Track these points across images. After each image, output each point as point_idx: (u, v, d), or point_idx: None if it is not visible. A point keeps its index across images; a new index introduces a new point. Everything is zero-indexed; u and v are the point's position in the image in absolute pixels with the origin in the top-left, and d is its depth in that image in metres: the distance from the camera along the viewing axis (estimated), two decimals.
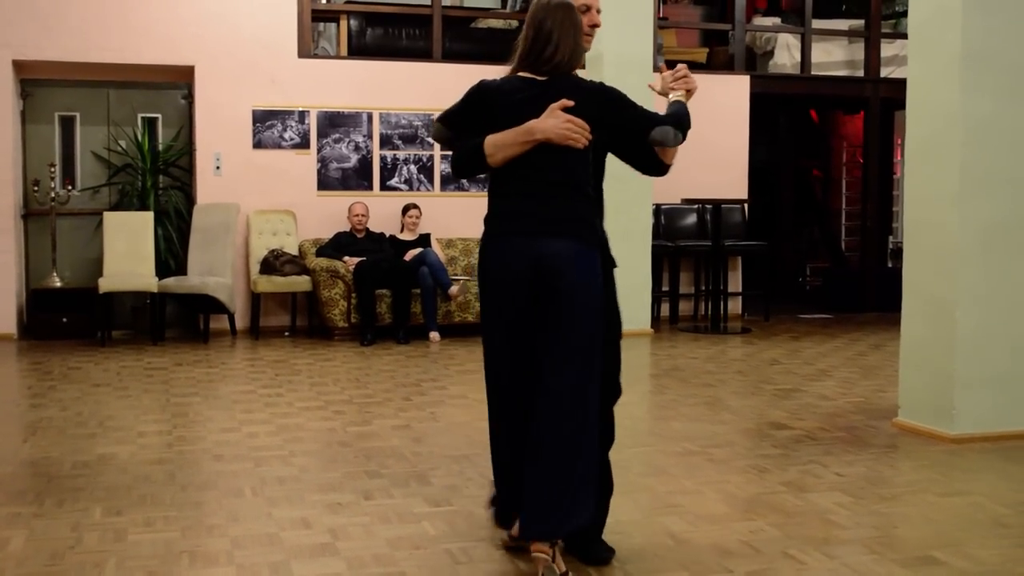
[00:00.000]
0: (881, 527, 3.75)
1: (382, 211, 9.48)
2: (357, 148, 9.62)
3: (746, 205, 10.58)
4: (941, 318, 5.14)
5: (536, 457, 3.20)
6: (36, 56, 8.89)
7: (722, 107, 10.47)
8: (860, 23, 11.39)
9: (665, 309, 10.34)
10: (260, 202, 9.37)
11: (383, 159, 9.69)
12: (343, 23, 9.96)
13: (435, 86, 9.61)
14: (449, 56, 9.90)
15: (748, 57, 11.13)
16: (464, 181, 9.76)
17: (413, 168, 9.77)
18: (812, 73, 11.01)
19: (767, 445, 5.03)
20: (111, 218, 8.85)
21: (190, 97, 9.49)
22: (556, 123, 3.25)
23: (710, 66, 11.11)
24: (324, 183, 9.56)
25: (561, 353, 3.24)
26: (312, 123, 9.50)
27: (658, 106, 3.53)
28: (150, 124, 9.56)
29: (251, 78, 9.33)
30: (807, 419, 5.63)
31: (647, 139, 3.38)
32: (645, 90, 3.80)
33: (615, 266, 3.48)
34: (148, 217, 8.89)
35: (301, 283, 8.93)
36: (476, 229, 9.27)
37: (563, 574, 3.16)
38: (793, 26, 11.19)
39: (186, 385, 6.65)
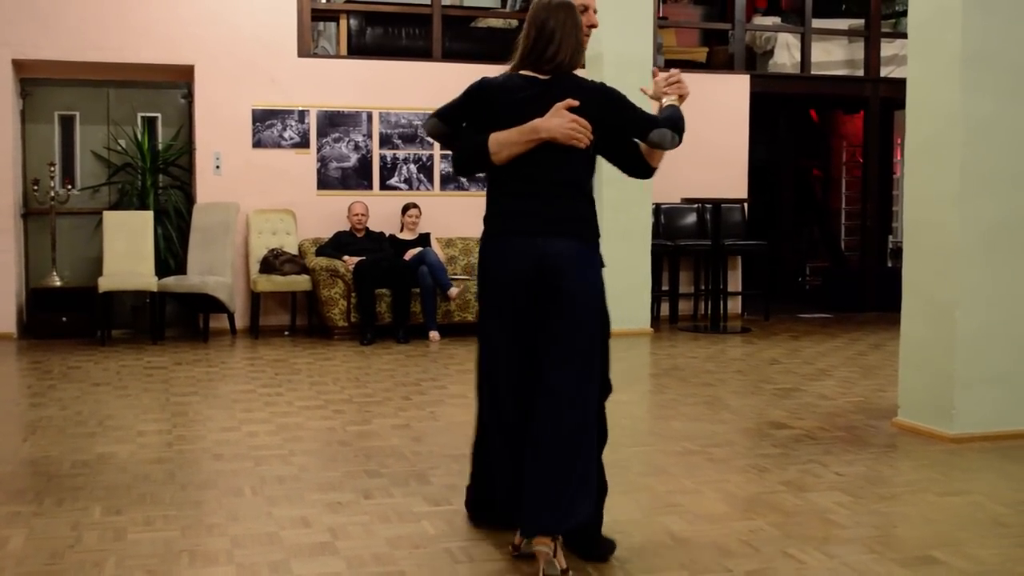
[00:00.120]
0: (881, 526, 3.75)
1: (382, 210, 9.48)
2: (357, 147, 9.62)
3: (746, 205, 10.58)
4: (941, 318, 5.14)
5: (536, 455, 3.22)
6: (36, 55, 8.89)
7: (722, 106, 10.47)
8: (860, 23, 11.39)
9: (665, 308, 10.34)
10: (260, 201, 9.37)
11: (383, 158, 9.69)
12: (343, 22, 9.96)
13: (435, 86, 9.59)
14: (449, 55, 9.90)
15: (748, 56, 11.13)
16: (464, 180, 9.77)
17: (413, 167, 9.77)
18: (812, 73, 11.01)
19: (767, 444, 5.03)
20: (111, 217, 8.85)
21: (190, 96, 9.49)
22: (561, 123, 3.28)
23: (710, 65, 11.11)
24: (324, 182, 9.56)
25: (562, 353, 3.26)
26: (312, 122, 9.50)
27: (649, 109, 3.54)
28: (150, 123, 9.56)
29: (251, 77, 9.33)
30: (807, 418, 5.63)
31: (644, 141, 3.43)
32: (649, 87, 3.82)
33: (603, 266, 3.50)
34: (148, 216, 8.89)
35: (301, 282, 8.93)
36: (476, 228, 9.26)
37: (564, 570, 3.17)
38: (793, 26, 11.20)
39: (186, 384, 6.65)
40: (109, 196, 9.49)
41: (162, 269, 9.04)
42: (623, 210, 8.74)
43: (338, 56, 9.87)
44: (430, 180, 9.83)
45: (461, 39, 10.15)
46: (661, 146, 3.42)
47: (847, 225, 13.26)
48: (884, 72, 11.25)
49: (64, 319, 8.85)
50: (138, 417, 5.64)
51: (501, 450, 3.37)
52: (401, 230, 9.31)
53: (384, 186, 9.70)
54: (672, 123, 3.39)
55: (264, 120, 9.38)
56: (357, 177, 9.62)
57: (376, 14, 10.01)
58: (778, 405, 6.01)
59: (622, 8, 8.71)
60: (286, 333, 9.24)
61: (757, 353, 8.14)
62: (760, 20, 11.51)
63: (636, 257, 8.99)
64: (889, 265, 11.70)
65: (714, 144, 10.31)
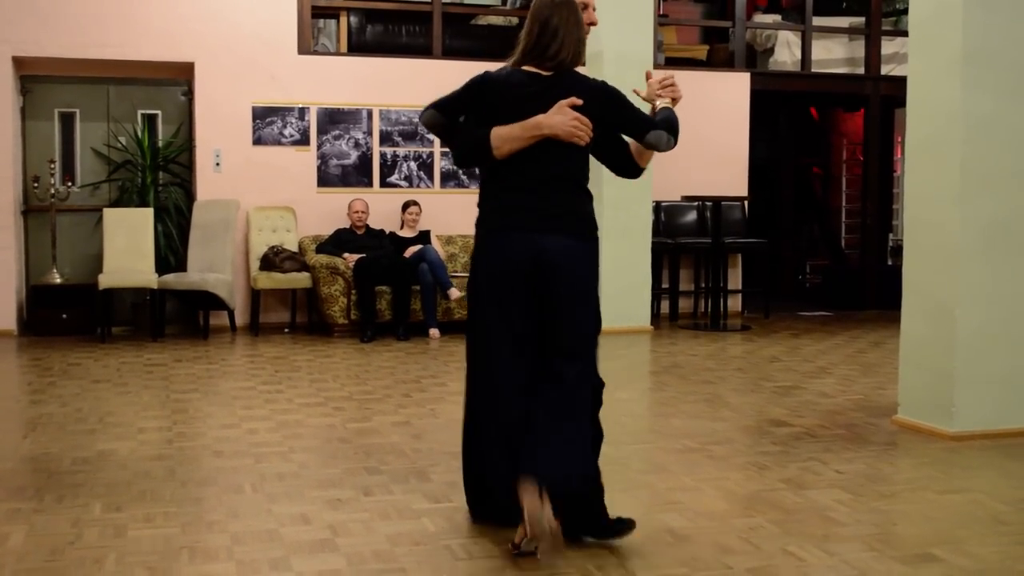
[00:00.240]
0: (880, 524, 3.75)
1: (382, 208, 9.48)
2: (357, 145, 9.62)
3: (746, 202, 10.58)
4: (941, 316, 5.14)
5: (535, 426, 3.26)
6: (36, 52, 8.89)
7: (722, 104, 10.47)
8: (860, 20, 11.39)
9: (665, 306, 10.35)
10: (260, 199, 9.37)
11: (383, 156, 9.69)
12: (343, 19, 9.96)
13: (435, 83, 9.50)
14: (449, 53, 9.90)
15: (748, 54, 11.13)
16: (464, 178, 9.78)
17: (413, 165, 9.77)
18: (812, 70, 11.01)
19: (767, 442, 5.03)
20: (111, 214, 8.85)
21: (190, 93, 9.49)
22: (564, 120, 3.31)
23: (710, 63, 11.11)
24: (324, 180, 9.55)
25: (562, 346, 3.32)
26: (312, 120, 9.50)
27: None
28: (150, 120, 9.56)
29: (251, 75, 9.33)
30: (807, 416, 5.63)
31: (641, 142, 3.48)
32: (644, 88, 3.84)
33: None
34: (148, 213, 8.89)
35: (301, 280, 8.93)
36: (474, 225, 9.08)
37: (553, 528, 3.12)
38: (793, 23, 11.19)
39: (186, 381, 6.65)
40: (109, 193, 9.49)
41: (162, 266, 9.05)
42: (623, 208, 8.74)
43: (338, 53, 9.87)
44: (430, 177, 9.82)
45: (461, 36, 10.15)
46: (657, 147, 3.47)
47: (847, 223, 13.26)
48: (885, 70, 11.24)
49: (64, 316, 8.85)
50: (138, 414, 5.64)
51: (496, 442, 3.37)
52: (401, 227, 9.31)
53: (384, 183, 9.70)
54: (668, 125, 3.44)
55: (264, 117, 9.38)
56: (357, 174, 9.62)
57: (376, 11, 10.00)
58: (778, 403, 6.01)
59: (622, 6, 8.70)
60: (286, 330, 9.24)
61: (757, 351, 8.14)
62: (761, 18, 11.51)
63: (636, 255, 8.99)
64: (889, 263, 11.70)
65: (714, 142, 10.32)
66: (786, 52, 11.12)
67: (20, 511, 3.84)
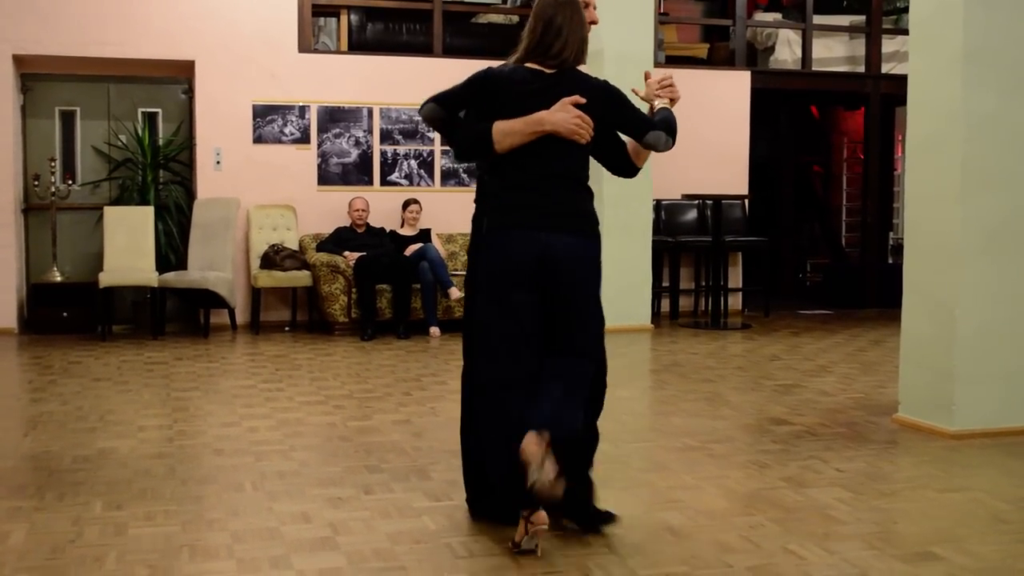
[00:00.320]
0: (881, 523, 3.75)
1: (382, 206, 9.48)
2: (357, 143, 9.62)
3: (747, 201, 10.58)
4: (941, 314, 5.14)
5: (539, 399, 3.32)
6: (36, 51, 8.89)
7: (723, 103, 10.47)
8: (861, 19, 11.38)
9: (665, 305, 10.35)
10: (260, 197, 9.37)
11: (383, 154, 9.69)
12: (343, 18, 9.96)
13: (436, 81, 9.46)
14: (450, 51, 9.89)
15: (749, 53, 11.13)
16: (465, 176, 9.78)
17: (413, 163, 9.77)
18: (813, 69, 11.01)
19: (767, 441, 5.03)
20: (111, 213, 8.85)
21: (190, 92, 9.49)
22: (567, 117, 3.35)
23: (711, 62, 11.10)
24: (324, 178, 9.55)
25: (569, 345, 3.39)
26: (312, 118, 9.49)
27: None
28: (150, 119, 9.56)
29: (251, 73, 9.33)
30: (807, 415, 5.63)
31: (640, 141, 3.53)
32: (642, 86, 3.86)
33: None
34: (148, 212, 8.89)
35: (301, 278, 8.93)
36: None
37: (557, 476, 3.17)
38: (794, 22, 11.19)
39: (186, 380, 6.65)
40: (110, 191, 9.49)
41: (162, 264, 9.05)
42: (624, 206, 8.73)
43: (339, 52, 9.86)
44: (431, 176, 9.82)
45: (462, 35, 10.14)
46: (655, 147, 3.51)
47: (848, 221, 13.27)
48: (885, 68, 11.24)
49: (65, 314, 8.86)
50: (139, 412, 5.64)
51: (500, 441, 3.37)
52: (402, 226, 9.31)
53: (385, 182, 9.69)
54: (666, 126, 3.49)
55: (265, 116, 9.38)
56: (358, 173, 9.62)
57: (376, 9, 10.00)
58: (778, 401, 6.01)
59: (623, 4, 8.70)
60: (287, 329, 9.24)
61: (757, 349, 8.14)
62: (761, 16, 11.51)
63: (637, 253, 8.98)
64: (889, 261, 11.70)
65: (715, 140, 10.31)
66: (787, 50, 11.12)
67: (21, 509, 3.84)
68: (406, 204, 9.26)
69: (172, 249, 9.38)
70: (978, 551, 3.43)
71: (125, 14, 9.02)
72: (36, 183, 9.09)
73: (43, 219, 9.16)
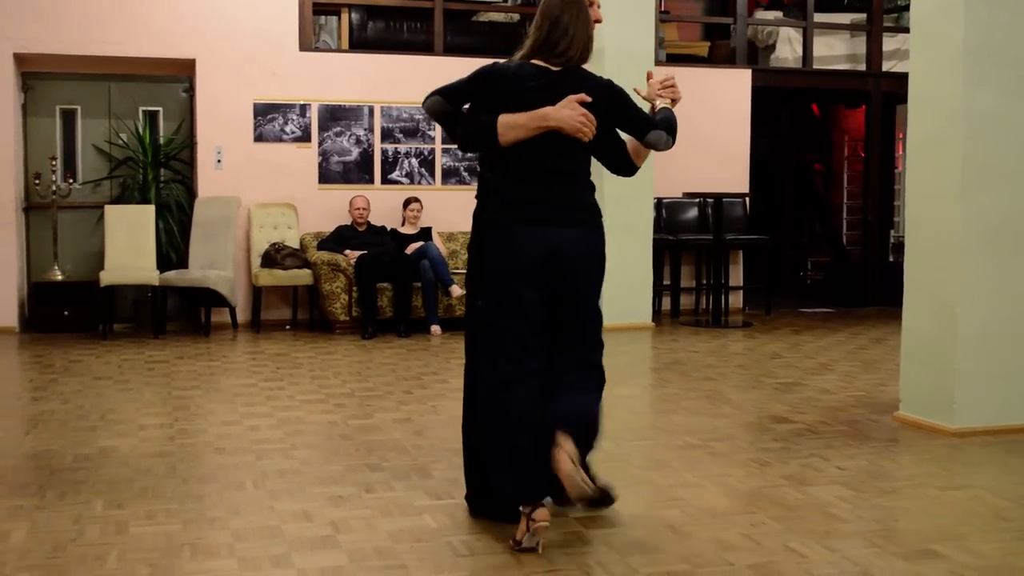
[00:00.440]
0: (882, 520, 3.75)
1: (383, 204, 9.47)
2: (358, 141, 9.62)
3: (747, 199, 10.58)
4: (942, 312, 5.14)
5: (558, 392, 3.42)
6: (37, 49, 8.89)
7: (724, 101, 10.46)
8: (862, 17, 11.37)
9: (666, 303, 10.35)
10: (261, 195, 9.37)
11: (384, 152, 9.69)
12: (344, 16, 9.95)
13: (436, 80, 9.49)
14: (450, 50, 9.89)
15: (750, 51, 11.12)
16: (466, 175, 9.78)
17: (414, 162, 9.77)
18: (814, 67, 11.00)
19: (768, 439, 5.03)
20: (112, 211, 8.86)
21: (191, 90, 9.49)
22: (572, 114, 3.40)
23: (712, 60, 11.10)
24: (325, 176, 9.55)
25: (575, 334, 3.46)
26: (313, 116, 9.49)
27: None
28: (151, 117, 9.56)
29: (252, 71, 9.33)
30: (808, 413, 5.63)
31: (641, 140, 3.60)
32: (645, 85, 3.88)
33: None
34: (149, 210, 8.90)
35: (302, 276, 8.93)
36: None
37: (589, 487, 3.33)
38: (795, 20, 11.18)
39: (187, 378, 6.66)
40: (110, 190, 9.49)
41: (163, 263, 9.05)
42: (624, 204, 8.72)
43: (339, 50, 9.86)
44: (431, 174, 9.82)
45: (462, 33, 10.13)
46: (655, 147, 3.58)
47: (848, 220, 13.26)
48: (886, 66, 11.23)
49: (66, 313, 8.86)
50: (140, 411, 5.64)
51: (510, 437, 3.37)
52: (403, 224, 9.31)
53: (385, 180, 9.69)
54: (667, 125, 3.56)
55: (265, 114, 9.38)
56: (358, 171, 9.62)
57: (377, 8, 9.99)
58: (779, 399, 6.01)
59: (624, 2, 8.69)
60: (287, 327, 9.24)
61: (758, 347, 8.14)
62: (762, 14, 11.50)
63: (637, 251, 8.98)
64: (890, 259, 11.70)
65: (716, 138, 10.31)
66: (787, 49, 11.11)
67: (22, 508, 3.84)
68: (407, 202, 9.26)
69: (173, 248, 9.38)
70: (979, 549, 3.43)
71: (126, 13, 9.02)
72: (37, 182, 9.09)
73: (44, 218, 9.16)
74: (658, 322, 9.55)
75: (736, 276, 10.64)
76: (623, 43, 8.67)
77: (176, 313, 9.32)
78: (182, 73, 9.52)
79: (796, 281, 13.14)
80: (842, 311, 10.69)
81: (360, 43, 9.92)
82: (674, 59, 10.66)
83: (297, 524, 3.65)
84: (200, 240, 9.01)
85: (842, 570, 3.24)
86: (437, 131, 9.76)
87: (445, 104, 3.53)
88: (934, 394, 5.18)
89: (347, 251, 8.85)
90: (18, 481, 4.24)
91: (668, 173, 9.76)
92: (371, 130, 9.64)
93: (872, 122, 11.32)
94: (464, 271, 9.22)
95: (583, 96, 3.41)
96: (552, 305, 3.46)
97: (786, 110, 12.95)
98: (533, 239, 3.39)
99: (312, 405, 5.79)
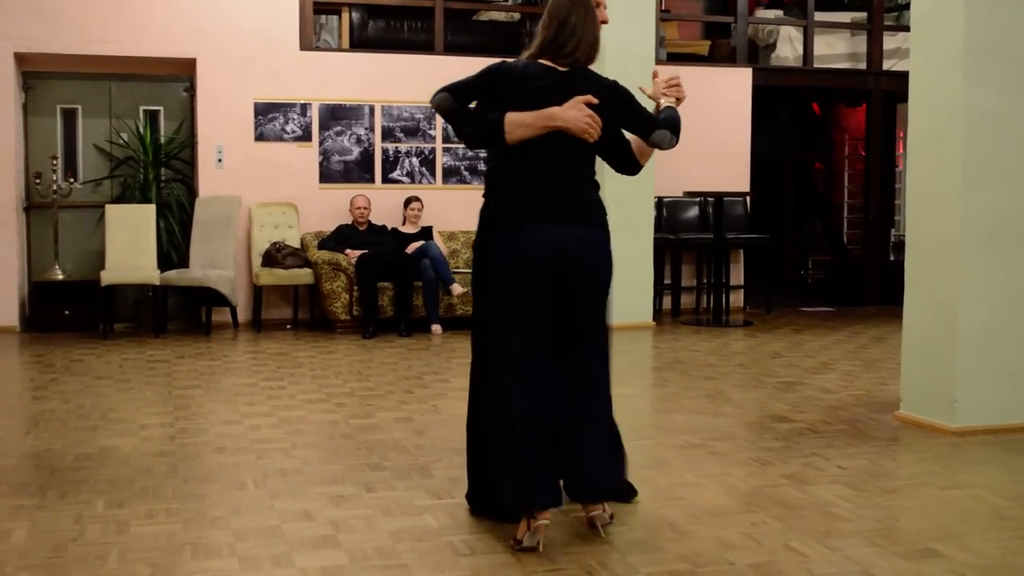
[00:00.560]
0: (883, 520, 3.75)
1: (384, 204, 9.47)
2: (359, 141, 9.62)
3: (748, 198, 10.58)
4: (943, 311, 5.14)
5: (583, 430, 3.46)
6: (38, 49, 8.89)
7: (724, 100, 10.46)
8: (863, 16, 11.37)
9: (667, 302, 10.35)
10: (262, 195, 9.37)
11: (385, 152, 9.69)
12: (345, 15, 9.95)
13: (437, 79, 9.48)
14: (451, 49, 9.89)
15: (750, 50, 11.12)
16: (466, 174, 9.79)
17: (415, 161, 9.77)
18: (814, 66, 11.00)
19: (769, 438, 5.03)
20: (113, 211, 8.86)
21: (192, 90, 9.49)
22: (578, 115, 3.43)
23: (712, 59, 11.10)
24: (326, 176, 9.55)
25: (585, 331, 3.48)
26: (314, 116, 9.49)
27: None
28: (152, 117, 9.56)
29: (253, 71, 9.33)
30: (809, 412, 5.63)
31: (646, 140, 3.64)
32: (646, 83, 3.92)
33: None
34: (150, 210, 8.90)
35: (303, 276, 8.93)
36: (478, 222, 9.05)
37: (611, 514, 3.60)
38: (795, 19, 11.17)
39: (188, 378, 6.66)
40: (111, 189, 9.49)
41: (164, 262, 9.05)
42: (625, 203, 8.71)
43: (340, 49, 9.86)
44: (432, 173, 9.82)
45: (463, 32, 10.14)
46: (660, 146, 3.63)
47: (849, 219, 13.26)
48: (887, 65, 11.23)
49: (66, 312, 8.86)
50: (140, 410, 5.64)
51: (521, 436, 3.37)
52: (403, 223, 9.31)
53: (386, 179, 9.69)
54: (671, 124, 3.61)
55: (266, 113, 9.38)
56: (359, 170, 9.62)
57: (378, 7, 9.99)
58: (780, 398, 6.01)
59: (624, 1, 8.69)
60: (288, 327, 9.24)
61: (759, 346, 8.14)
62: (762, 13, 11.49)
63: (638, 250, 8.98)
64: (891, 258, 11.70)
65: (716, 137, 10.30)
66: (788, 47, 11.11)
67: (23, 507, 3.84)
68: (407, 202, 9.26)
69: (174, 247, 9.38)
70: (980, 548, 3.43)
71: (126, 12, 9.02)
72: (38, 181, 9.09)
73: (45, 217, 9.16)
74: (659, 321, 9.55)
75: (737, 275, 10.63)
76: (623, 42, 8.66)
77: (177, 312, 9.32)
78: (183, 72, 9.52)
79: (797, 280, 13.14)
80: (843, 310, 10.69)
81: (361, 42, 9.92)
82: (674, 58, 10.66)
83: (298, 523, 3.66)
84: (201, 239, 9.01)
85: (843, 569, 3.24)
86: (437, 130, 9.77)
87: (452, 101, 3.55)
88: (935, 393, 5.18)
89: (348, 250, 8.85)
90: (19, 480, 4.24)
91: (669, 172, 9.76)
92: (372, 129, 9.65)
93: (873, 121, 11.31)
94: (465, 270, 9.22)
95: (589, 97, 3.44)
96: (558, 304, 3.47)
97: (787, 109, 12.94)
98: (541, 237, 3.41)
99: (313, 404, 5.79)
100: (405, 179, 9.74)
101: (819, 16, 11.08)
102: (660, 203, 10.21)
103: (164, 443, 4.87)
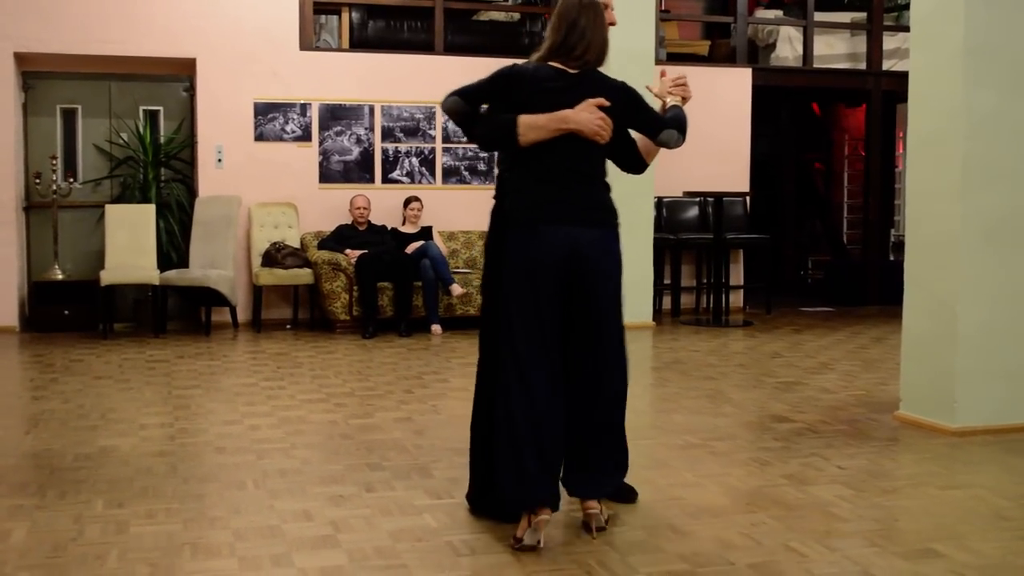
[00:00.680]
0: (882, 520, 3.76)
1: (384, 204, 9.47)
2: (359, 141, 9.62)
3: (748, 198, 10.58)
4: (943, 311, 5.14)
5: (584, 430, 3.51)
6: (38, 48, 8.89)
7: (724, 100, 10.46)
8: (862, 16, 11.37)
9: (667, 302, 10.35)
10: (262, 195, 9.37)
11: (385, 152, 9.69)
12: (345, 15, 9.95)
13: (437, 79, 9.58)
14: (451, 49, 9.89)
15: (750, 50, 11.12)
16: (466, 174, 9.79)
17: (415, 161, 9.76)
18: (814, 66, 11.00)
19: (768, 438, 5.03)
20: (113, 211, 8.86)
21: (192, 90, 9.49)
22: (590, 118, 3.46)
23: (712, 59, 11.09)
24: (326, 176, 9.55)
25: (597, 335, 3.49)
26: (314, 116, 9.49)
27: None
28: (152, 116, 9.56)
29: (253, 70, 9.32)
30: (808, 412, 5.63)
31: (654, 140, 3.68)
32: (647, 82, 3.93)
33: None
34: (150, 210, 8.90)
35: (303, 276, 8.93)
36: (478, 222, 9.23)
37: (608, 517, 3.59)
38: (795, 19, 11.17)
39: (188, 378, 6.66)
40: (111, 189, 9.49)
41: (164, 262, 9.05)
42: (625, 203, 8.53)
43: (340, 49, 9.86)
44: (432, 173, 9.82)
45: (463, 32, 10.14)
46: (667, 145, 3.67)
47: (849, 219, 13.26)
48: (886, 65, 11.23)
49: (66, 312, 8.86)
50: (140, 410, 5.64)
51: (527, 437, 3.38)
52: (403, 223, 9.31)
53: (386, 179, 9.69)
54: (678, 124, 3.65)
55: (266, 113, 9.38)
56: (359, 170, 9.62)
57: (378, 7, 9.99)
58: (780, 398, 6.01)
59: (624, 1, 8.66)
60: (288, 327, 9.24)
61: (759, 347, 8.14)
62: (762, 13, 11.49)
63: (638, 250, 8.96)
64: (891, 259, 11.70)
65: (716, 137, 10.30)
66: (788, 48, 11.11)
67: (22, 507, 3.84)
68: (407, 202, 9.26)
69: (173, 247, 9.38)
70: (979, 548, 3.43)
71: (126, 12, 9.02)
72: (37, 181, 9.09)
73: (44, 217, 9.16)
74: (659, 321, 9.55)
75: (736, 275, 10.63)
76: (623, 42, 8.59)
77: (176, 312, 9.32)
78: (183, 72, 9.52)
79: (797, 280, 13.14)
80: (843, 310, 10.69)
81: (360, 42, 9.92)
82: (674, 58, 10.65)
83: (297, 523, 3.66)
84: (201, 239, 9.01)
85: (842, 569, 3.24)
86: (437, 130, 9.77)
87: (464, 105, 3.56)
88: (934, 393, 5.18)
89: (348, 250, 8.85)
90: (18, 480, 4.24)
91: (669, 172, 9.75)
92: (371, 129, 9.64)
93: (872, 121, 11.31)
94: (465, 270, 9.23)
95: (602, 100, 3.47)
96: (572, 307, 3.49)
97: (786, 109, 12.94)
98: (555, 238, 3.43)
99: (313, 404, 5.79)
100: (405, 179, 9.74)
101: (819, 16, 11.08)
102: (660, 203, 10.21)
103: (164, 443, 4.87)
